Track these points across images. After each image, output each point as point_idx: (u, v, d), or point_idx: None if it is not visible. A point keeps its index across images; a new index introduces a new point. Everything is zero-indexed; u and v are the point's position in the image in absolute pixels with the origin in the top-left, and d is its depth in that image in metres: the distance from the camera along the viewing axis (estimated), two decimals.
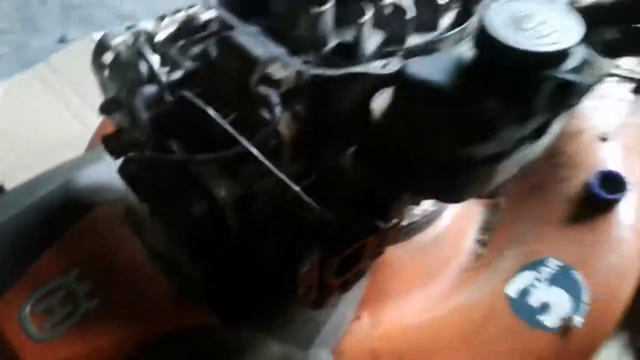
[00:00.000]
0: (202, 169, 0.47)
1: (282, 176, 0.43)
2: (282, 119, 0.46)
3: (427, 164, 0.41)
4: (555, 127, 0.46)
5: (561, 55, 0.36)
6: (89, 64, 1.25)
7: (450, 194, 0.45)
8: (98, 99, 1.16)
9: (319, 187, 0.44)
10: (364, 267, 0.47)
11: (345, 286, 0.48)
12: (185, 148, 0.49)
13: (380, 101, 0.43)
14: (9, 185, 0.95)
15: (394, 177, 0.44)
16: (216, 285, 0.50)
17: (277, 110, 0.45)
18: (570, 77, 0.36)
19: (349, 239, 0.43)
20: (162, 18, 0.59)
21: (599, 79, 0.39)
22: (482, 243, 0.65)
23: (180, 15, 0.59)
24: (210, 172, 0.47)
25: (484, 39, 0.38)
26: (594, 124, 0.65)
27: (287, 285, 0.47)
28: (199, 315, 0.51)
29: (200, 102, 0.46)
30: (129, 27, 0.57)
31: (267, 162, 0.43)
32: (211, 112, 0.45)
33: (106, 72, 0.57)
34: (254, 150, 0.43)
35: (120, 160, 0.56)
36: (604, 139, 0.64)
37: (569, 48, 0.36)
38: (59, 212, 0.58)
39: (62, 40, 1.39)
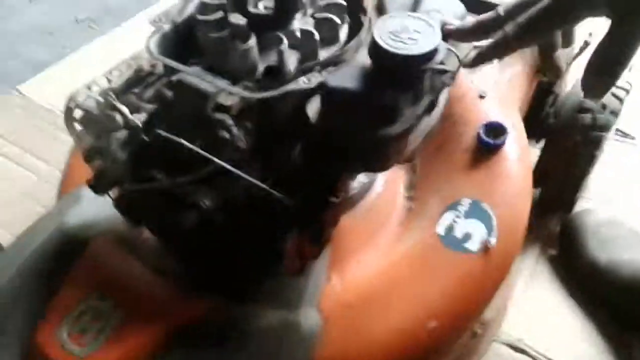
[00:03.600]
0: (185, 188, 0.58)
1: (252, 180, 0.55)
2: (238, 136, 0.58)
3: (356, 148, 0.55)
4: (442, 100, 0.61)
5: (431, 53, 0.51)
6: (21, 117, 1.31)
7: (378, 166, 0.59)
8: (38, 146, 1.21)
9: (282, 182, 0.57)
10: (327, 235, 0.61)
11: (317, 253, 0.61)
12: (166, 174, 0.60)
13: (313, 107, 0.56)
14: None
15: (333, 162, 0.58)
16: (215, 275, 0.62)
17: (234, 130, 0.58)
18: (439, 67, 0.51)
19: (313, 215, 0.56)
20: (110, 72, 0.70)
21: (459, 63, 0.54)
22: (409, 198, 0.79)
23: (128, 66, 0.69)
24: (193, 189, 0.58)
25: (376, 51, 0.51)
26: (473, 85, 0.79)
27: (272, 261, 0.60)
28: (206, 303, 0.62)
29: (174, 137, 0.57)
30: (88, 87, 0.68)
31: (239, 173, 0.55)
32: (185, 143, 0.57)
33: (78, 127, 0.67)
34: (227, 166, 0.55)
35: (96, 196, 0.67)
36: (482, 97, 0.77)
37: (435, 48, 0.50)
38: (61, 253, 0.67)
39: None
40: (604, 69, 0.49)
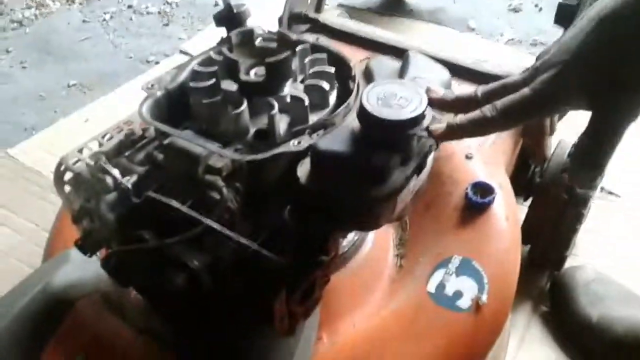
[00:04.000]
0: (173, 249, 0.58)
1: (242, 240, 0.55)
2: (228, 197, 0.59)
3: (346, 209, 0.56)
4: (429, 161, 0.62)
5: (418, 119, 0.52)
6: (9, 178, 1.31)
7: (368, 225, 0.60)
8: (26, 207, 1.21)
9: (271, 241, 0.57)
10: (318, 294, 0.60)
11: (307, 313, 0.60)
12: (155, 235, 0.60)
13: (303, 169, 0.57)
14: None
15: (323, 222, 0.58)
16: (202, 338, 0.61)
17: (224, 191, 0.58)
18: (424, 133, 0.53)
19: (303, 274, 0.56)
20: (103, 136, 0.71)
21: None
22: (400, 256, 0.79)
23: (120, 131, 0.70)
24: (181, 249, 0.58)
25: (364, 116, 0.53)
26: (460, 146, 0.81)
27: (261, 322, 0.59)
28: None
29: (164, 199, 0.57)
30: (79, 150, 0.68)
31: (228, 232, 0.55)
32: (175, 204, 0.57)
33: (67, 189, 0.68)
34: (217, 226, 0.55)
35: (84, 258, 0.67)
36: (469, 157, 0.80)
37: (422, 113, 0.52)
38: (47, 314, 0.66)
39: None
40: (587, 162, 0.49)
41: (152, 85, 0.66)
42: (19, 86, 1.66)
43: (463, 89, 0.57)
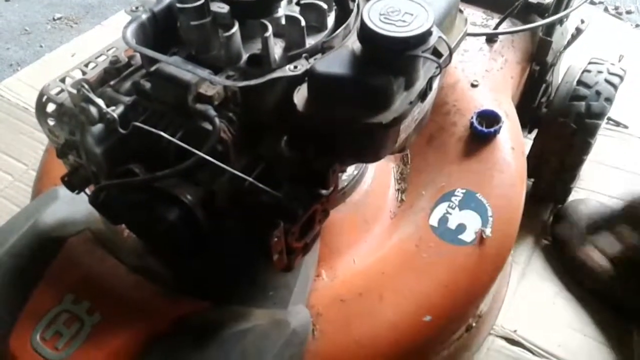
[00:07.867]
0: (165, 183, 0.55)
1: (237, 172, 0.52)
2: (221, 127, 0.55)
3: (346, 137, 0.52)
4: (435, 87, 0.59)
5: (424, 36, 0.48)
6: None
7: (369, 156, 0.56)
8: (13, 145, 1.17)
9: (268, 174, 0.54)
10: (317, 229, 0.58)
11: (306, 248, 0.58)
12: (145, 169, 0.57)
13: (300, 95, 0.53)
14: None
15: (322, 153, 0.55)
16: (198, 275, 0.59)
17: (216, 120, 0.54)
18: (428, 55, 0.48)
19: (302, 208, 0.53)
20: (86, 65, 0.66)
21: (452, 49, 0.51)
22: (401, 190, 0.76)
23: (104, 59, 0.66)
24: (174, 183, 0.55)
25: (366, 32, 0.48)
26: (465, 74, 0.77)
27: (258, 259, 0.57)
28: (188, 305, 0.58)
29: (153, 129, 0.54)
30: (61, 80, 0.64)
31: (221, 165, 0.52)
32: (164, 135, 0.54)
33: (51, 121, 0.64)
34: (209, 158, 0.52)
35: (73, 195, 0.64)
36: (474, 85, 0.76)
37: (428, 30, 0.48)
38: (36, 252, 0.63)
39: None
40: None
41: (137, 8, 0.62)
42: (2, 20, 1.59)
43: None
